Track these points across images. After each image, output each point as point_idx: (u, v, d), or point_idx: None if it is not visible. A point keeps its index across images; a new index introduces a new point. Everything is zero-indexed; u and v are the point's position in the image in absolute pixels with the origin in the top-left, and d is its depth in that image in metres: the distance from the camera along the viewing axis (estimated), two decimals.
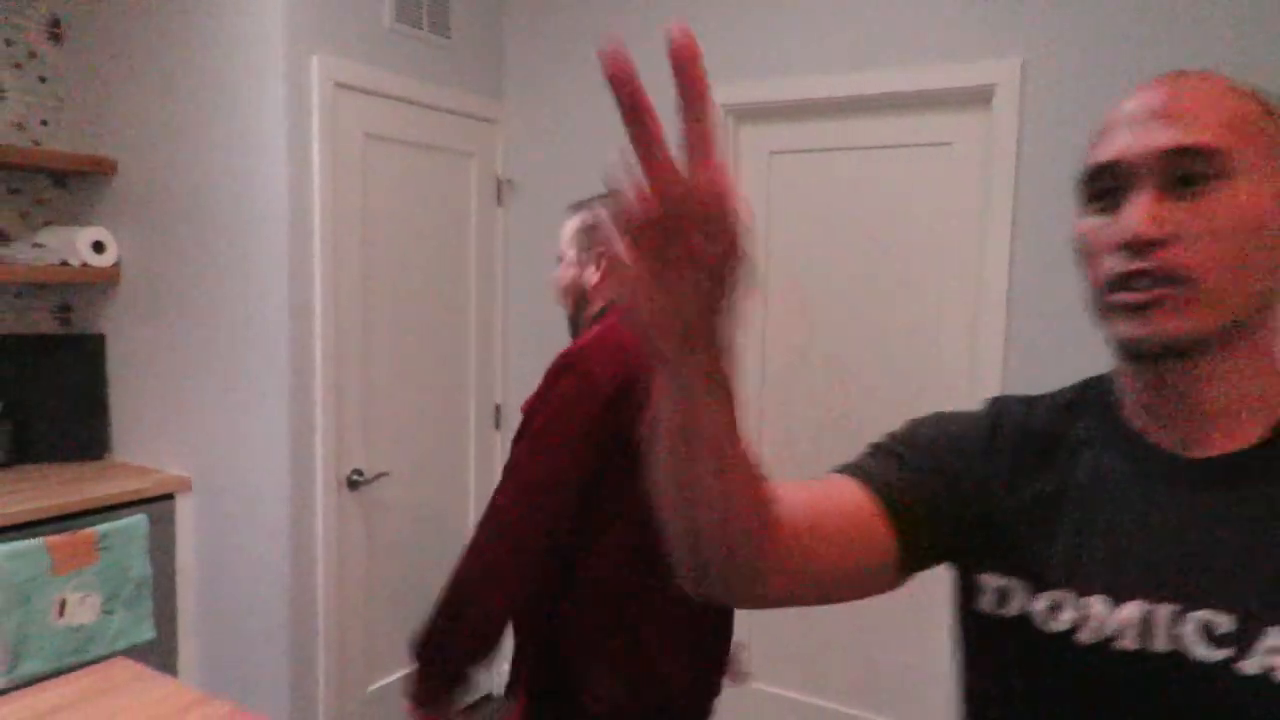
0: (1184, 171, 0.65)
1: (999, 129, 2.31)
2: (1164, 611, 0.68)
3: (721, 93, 2.69)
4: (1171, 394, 0.71)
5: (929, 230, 2.50)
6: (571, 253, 1.61)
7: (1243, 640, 0.64)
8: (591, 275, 1.59)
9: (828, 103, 2.56)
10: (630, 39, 2.85)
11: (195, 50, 2.50)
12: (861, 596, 0.79)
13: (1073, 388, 0.82)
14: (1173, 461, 0.71)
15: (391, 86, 2.65)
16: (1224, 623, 0.66)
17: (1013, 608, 0.76)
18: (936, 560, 0.81)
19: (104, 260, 2.69)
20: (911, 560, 0.78)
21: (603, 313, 1.55)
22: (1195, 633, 0.66)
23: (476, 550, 1.41)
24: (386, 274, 2.73)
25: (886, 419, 2.59)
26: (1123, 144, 0.68)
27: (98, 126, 2.76)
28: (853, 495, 0.78)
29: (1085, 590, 0.71)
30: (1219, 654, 0.65)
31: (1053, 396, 0.81)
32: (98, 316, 2.83)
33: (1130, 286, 0.66)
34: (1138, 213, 0.66)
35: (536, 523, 1.38)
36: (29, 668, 2.20)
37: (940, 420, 0.84)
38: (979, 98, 2.36)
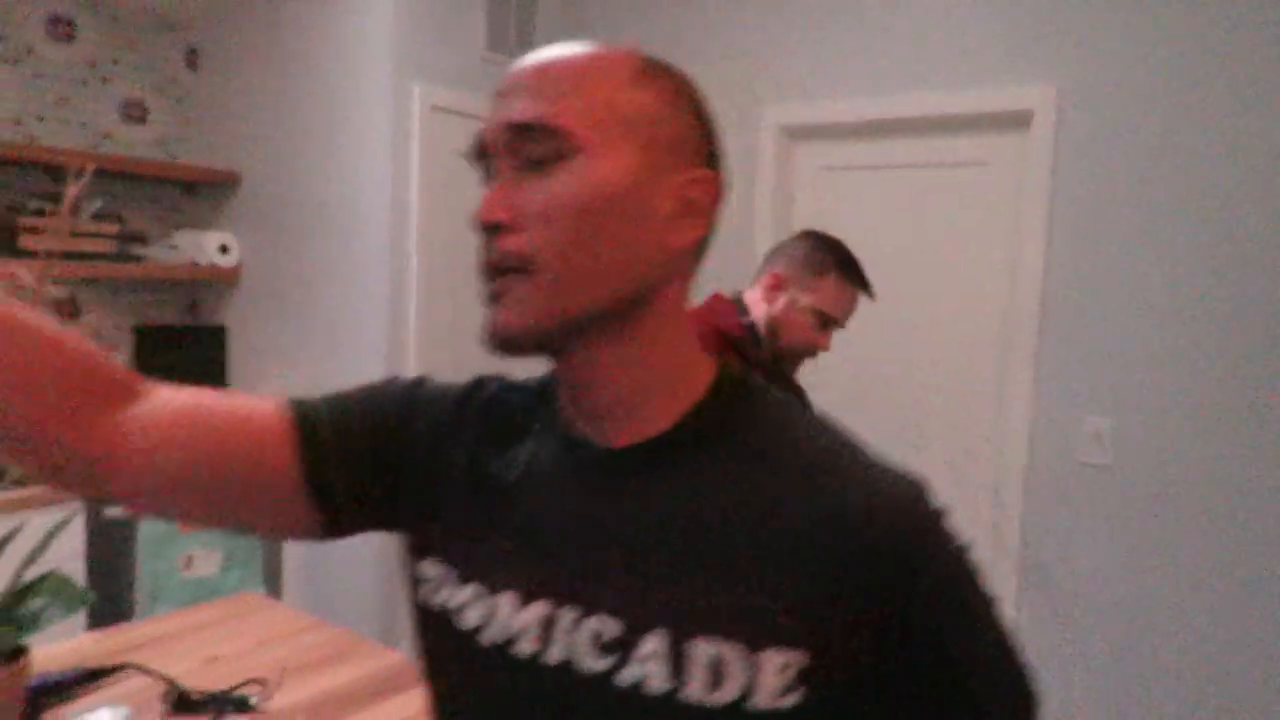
0: (531, 150, 0.60)
1: (1035, 151, 2.48)
2: (566, 616, 0.63)
3: (777, 112, 2.92)
4: (574, 385, 0.66)
5: (967, 244, 2.68)
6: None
7: (625, 648, 0.60)
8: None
9: (876, 123, 2.76)
10: (699, 57, 3.10)
11: (311, 78, 2.85)
12: (272, 529, 0.72)
13: (548, 373, 0.73)
14: (591, 453, 0.66)
15: (482, 109, 2.96)
16: (613, 629, 0.61)
17: (439, 599, 0.69)
18: (367, 517, 0.73)
19: (228, 260, 3.06)
20: (324, 496, 0.70)
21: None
22: (587, 640, 0.62)
23: None
24: (473, 278, 3.03)
25: (917, 423, 2.77)
26: (487, 118, 0.63)
27: (225, 142, 3.14)
28: (255, 403, 0.71)
29: (498, 586, 0.66)
30: (603, 664, 0.61)
31: (538, 380, 0.75)
32: (221, 310, 3.21)
33: (487, 276, 0.62)
34: (484, 196, 0.61)
35: None
36: (162, 611, 2.56)
37: (415, 380, 0.77)
38: (1017, 121, 2.54)
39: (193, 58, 3.19)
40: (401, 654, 1.56)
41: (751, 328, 1.73)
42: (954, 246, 2.71)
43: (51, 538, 1.26)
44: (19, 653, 1.20)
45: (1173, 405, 2.32)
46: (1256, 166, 2.20)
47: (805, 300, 1.71)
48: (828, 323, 1.73)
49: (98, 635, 1.58)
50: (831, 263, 1.75)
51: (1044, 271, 2.49)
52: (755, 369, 1.69)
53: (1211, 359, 2.27)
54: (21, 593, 1.22)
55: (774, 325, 1.72)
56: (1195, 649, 2.33)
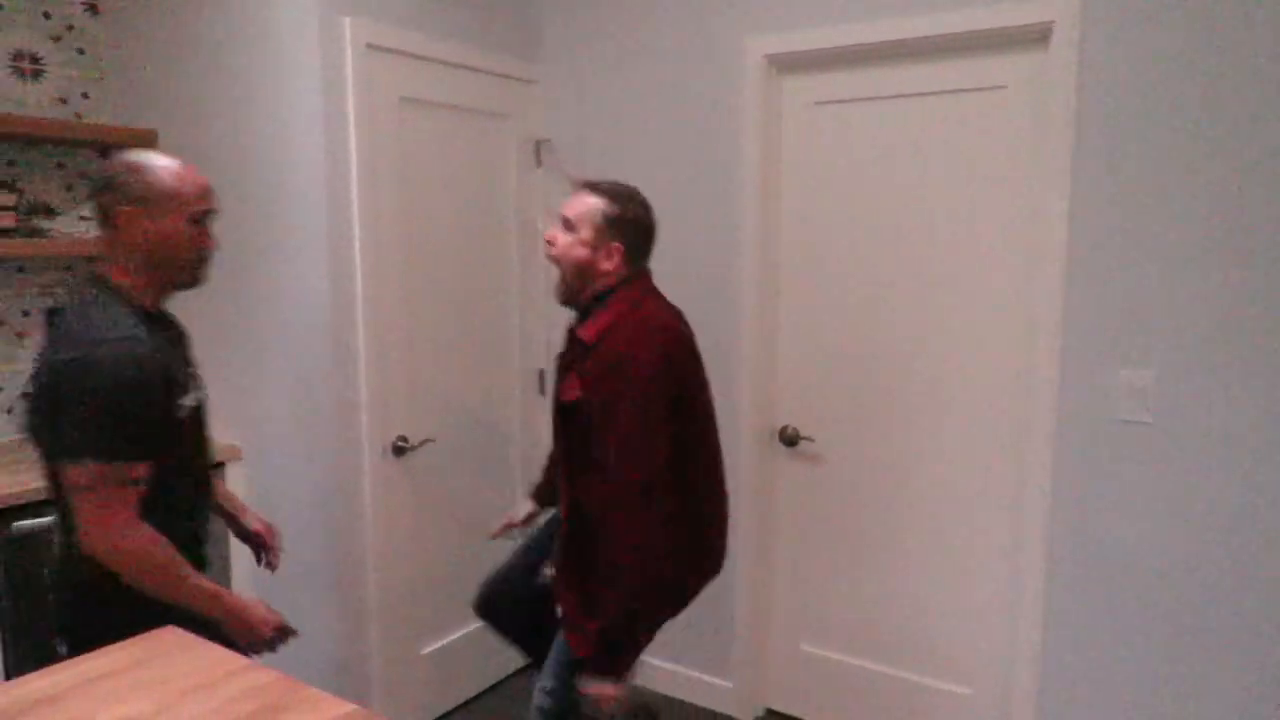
0: None
1: (1056, 70, 2.19)
2: None
3: (763, 43, 2.60)
4: None
5: (981, 180, 2.39)
6: (588, 233, 1.89)
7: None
8: (604, 260, 1.90)
9: (873, 49, 2.45)
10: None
11: (229, 17, 2.48)
12: None
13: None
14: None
15: (425, 48, 2.61)
16: None
17: None
18: None
19: None
20: None
21: (609, 293, 1.90)
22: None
23: (633, 528, 1.81)
24: (426, 240, 2.70)
25: (933, 379, 2.51)
26: None
27: (137, 98, 2.76)
28: None
29: None
30: None
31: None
32: None
33: None
34: None
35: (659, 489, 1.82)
36: None
37: None
38: (1035, 36, 2.24)
39: (93, 1, 2.79)
40: (355, 706, 1.27)
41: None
42: (966, 184, 2.42)
43: None
44: None
45: (1222, 355, 2.07)
46: None
47: None
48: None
49: None
50: None
51: (1070, 208, 2.21)
52: None
53: (1266, 301, 2.02)
54: None
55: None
56: (1246, 624, 2.10)
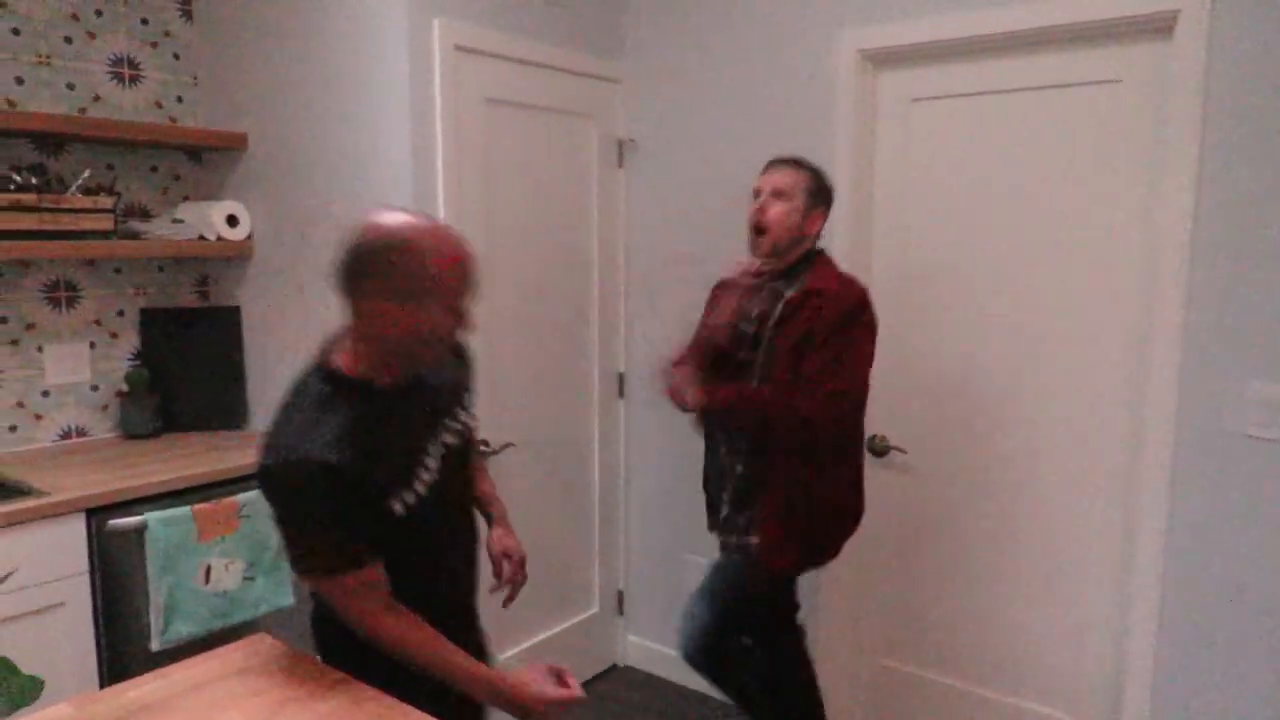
0: None
1: (1181, 63, 2.05)
2: None
3: (857, 37, 2.50)
4: None
5: (1091, 180, 2.26)
6: (799, 202, 2.10)
7: None
8: (810, 227, 2.13)
9: (976, 41, 2.34)
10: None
11: (319, 20, 2.49)
12: None
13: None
14: None
15: (511, 49, 2.58)
16: None
17: None
18: None
19: (237, 234, 2.74)
20: None
21: (814, 254, 2.16)
22: None
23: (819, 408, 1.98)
24: (508, 241, 2.68)
25: (1037, 386, 2.38)
26: None
27: (229, 101, 2.79)
28: None
29: None
30: None
31: None
32: (233, 288, 2.89)
33: None
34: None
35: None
36: (179, 630, 2.28)
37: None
38: (1157, 27, 2.10)
39: (187, 6, 2.83)
40: None
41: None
42: (1075, 185, 2.29)
43: None
44: None
45: None
46: None
47: None
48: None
49: (70, 707, 1.28)
50: None
51: (1195, 210, 2.07)
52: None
53: None
54: None
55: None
56: None
